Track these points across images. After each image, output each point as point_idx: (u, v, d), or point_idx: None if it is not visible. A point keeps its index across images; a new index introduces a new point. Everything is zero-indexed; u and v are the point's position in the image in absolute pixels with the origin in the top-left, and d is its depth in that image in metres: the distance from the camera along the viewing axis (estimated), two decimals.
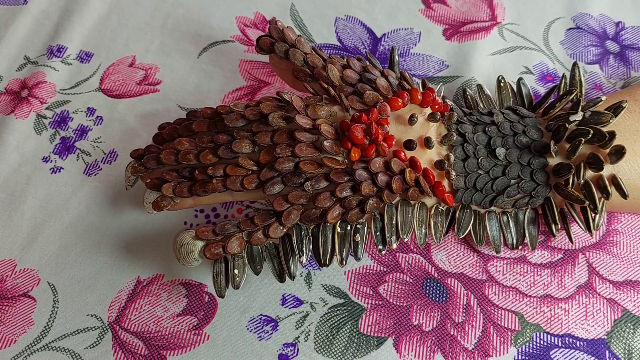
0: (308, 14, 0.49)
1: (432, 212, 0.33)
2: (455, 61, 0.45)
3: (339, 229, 0.32)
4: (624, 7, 0.49)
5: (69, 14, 0.49)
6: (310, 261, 0.36)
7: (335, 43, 0.47)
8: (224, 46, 0.47)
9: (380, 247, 0.32)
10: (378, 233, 0.32)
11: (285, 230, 0.32)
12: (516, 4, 0.49)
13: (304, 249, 0.32)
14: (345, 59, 0.35)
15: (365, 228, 0.33)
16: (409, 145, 0.32)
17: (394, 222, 0.32)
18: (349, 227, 0.32)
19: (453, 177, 0.32)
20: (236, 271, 0.32)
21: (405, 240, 0.32)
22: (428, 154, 0.33)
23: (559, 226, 0.34)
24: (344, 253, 0.32)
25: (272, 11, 0.49)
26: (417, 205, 0.33)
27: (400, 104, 0.32)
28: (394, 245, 0.32)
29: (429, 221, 0.33)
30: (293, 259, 0.32)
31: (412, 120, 0.32)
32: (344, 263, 0.32)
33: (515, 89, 0.39)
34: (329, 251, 0.32)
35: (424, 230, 0.33)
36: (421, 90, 0.35)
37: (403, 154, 0.32)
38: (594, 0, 0.49)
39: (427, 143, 0.32)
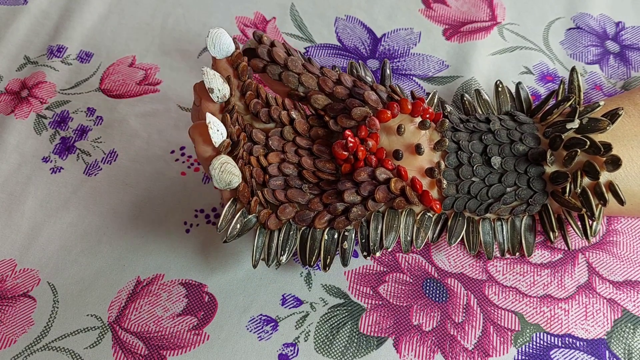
0: (308, 14, 0.49)
1: (418, 217, 0.33)
2: (455, 61, 0.45)
3: (326, 237, 0.33)
4: (624, 7, 0.49)
5: (69, 14, 0.49)
6: None
7: (335, 43, 0.47)
8: None
9: (364, 253, 0.33)
10: (364, 240, 0.33)
11: (280, 223, 0.33)
12: (516, 4, 0.49)
13: (287, 249, 0.33)
14: (338, 73, 0.36)
15: (353, 235, 0.33)
16: (396, 154, 0.33)
17: (378, 231, 0.33)
18: (336, 235, 0.33)
19: (444, 185, 0.33)
20: (238, 226, 0.32)
21: (390, 249, 0.32)
22: (419, 160, 0.33)
23: (557, 234, 0.34)
24: (329, 260, 0.33)
25: (272, 11, 0.49)
26: (404, 212, 0.33)
27: (389, 115, 0.33)
28: (378, 254, 0.32)
29: (414, 228, 0.33)
30: (276, 254, 0.33)
31: (399, 130, 0.33)
32: (327, 269, 0.32)
33: (514, 92, 0.39)
34: (315, 254, 0.33)
35: (409, 238, 0.33)
36: (412, 100, 0.35)
37: (390, 163, 0.32)
38: (594, 0, 0.49)
39: (417, 150, 0.33)
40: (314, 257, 0.33)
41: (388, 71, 0.38)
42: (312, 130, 0.35)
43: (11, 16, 0.49)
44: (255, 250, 0.33)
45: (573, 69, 0.37)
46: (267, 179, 0.33)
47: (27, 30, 0.48)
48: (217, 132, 0.31)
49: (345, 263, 0.33)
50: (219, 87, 0.32)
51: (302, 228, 0.33)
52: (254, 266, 0.32)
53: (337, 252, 0.33)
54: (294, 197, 0.33)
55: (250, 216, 0.32)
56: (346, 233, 0.33)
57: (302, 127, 0.35)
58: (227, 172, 0.31)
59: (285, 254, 0.32)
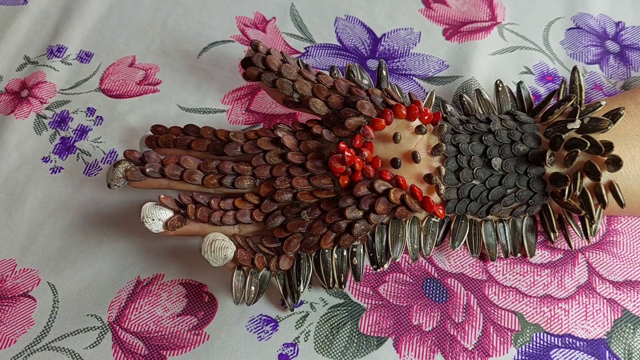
0: (308, 14, 0.49)
1: (424, 225, 0.33)
2: (455, 61, 0.45)
3: (335, 255, 0.33)
4: (624, 7, 0.49)
5: (69, 14, 0.49)
6: None
7: (335, 43, 0.47)
8: (224, 46, 0.47)
9: (374, 266, 0.33)
10: (372, 254, 0.33)
11: (292, 259, 0.33)
12: (516, 4, 0.49)
13: (301, 277, 0.33)
14: (334, 78, 0.35)
15: (362, 250, 0.33)
16: (394, 163, 0.33)
17: (383, 243, 0.33)
18: (345, 252, 0.33)
19: (442, 191, 0.33)
20: (252, 288, 0.32)
21: (397, 260, 0.32)
22: (416, 167, 0.33)
23: (557, 234, 0.34)
24: (342, 278, 0.33)
25: (272, 11, 0.49)
26: (408, 221, 0.33)
27: (383, 124, 0.33)
28: (386, 266, 0.32)
29: (420, 235, 0.33)
30: (293, 287, 0.33)
31: (395, 138, 0.33)
32: (343, 287, 0.33)
33: (514, 92, 0.39)
34: (331, 275, 0.33)
35: (416, 246, 0.33)
36: (409, 102, 0.35)
37: (388, 173, 0.32)
38: (594, 0, 0.49)
39: (414, 157, 0.33)
40: (330, 279, 0.33)
41: (384, 72, 0.38)
42: (302, 145, 0.34)
43: (11, 16, 0.49)
44: (284, 294, 0.33)
45: (574, 69, 0.37)
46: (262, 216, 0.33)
47: (27, 30, 0.48)
48: (153, 221, 0.32)
49: (357, 278, 0.33)
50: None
51: (312, 254, 0.33)
52: (291, 309, 0.33)
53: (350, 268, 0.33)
54: (294, 229, 0.33)
55: (261, 272, 0.32)
56: (354, 249, 0.33)
57: (290, 142, 0.34)
58: (218, 248, 0.31)
59: (302, 284, 0.32)
